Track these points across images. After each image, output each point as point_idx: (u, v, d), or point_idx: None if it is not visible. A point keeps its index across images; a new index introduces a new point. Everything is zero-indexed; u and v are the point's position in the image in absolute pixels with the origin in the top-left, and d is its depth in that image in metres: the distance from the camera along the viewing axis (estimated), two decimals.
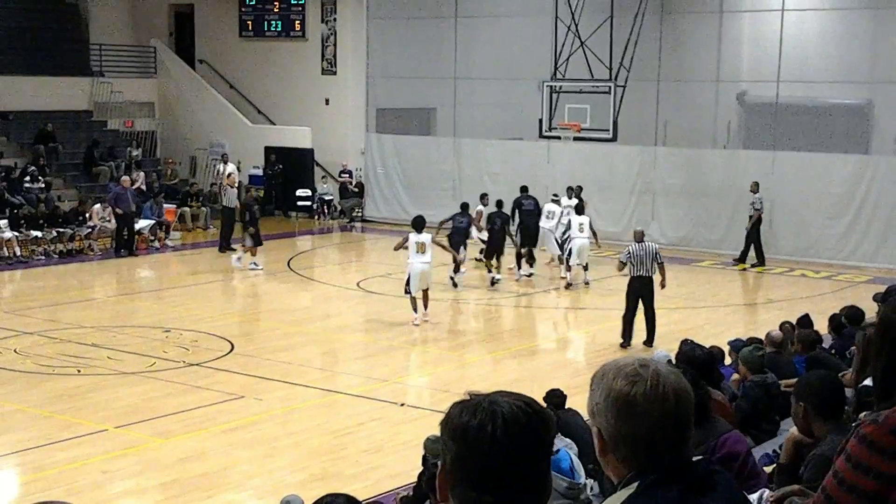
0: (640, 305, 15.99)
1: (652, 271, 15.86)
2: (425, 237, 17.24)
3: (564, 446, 7.40)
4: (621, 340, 16.04)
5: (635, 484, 2.37)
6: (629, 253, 15.85)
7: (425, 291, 17.40)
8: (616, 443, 2.40)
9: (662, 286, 16.04)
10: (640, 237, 16.29)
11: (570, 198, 22.94)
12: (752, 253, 23.34)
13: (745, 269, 23.28)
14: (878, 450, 2.88)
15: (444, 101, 28.85)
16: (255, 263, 22.33)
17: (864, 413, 3.31)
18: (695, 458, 2.46)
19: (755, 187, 23.14)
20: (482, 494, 2.21)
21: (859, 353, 7.44)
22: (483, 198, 22.85)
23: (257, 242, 22.47)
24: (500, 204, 21.54)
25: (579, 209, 21.17)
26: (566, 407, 9.24)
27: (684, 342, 10.25)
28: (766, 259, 23.36)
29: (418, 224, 17.44)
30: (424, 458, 8.42)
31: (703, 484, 2.39)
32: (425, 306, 17.50)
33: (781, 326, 12.11)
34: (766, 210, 23.87)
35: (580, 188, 23.76)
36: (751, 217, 23.21)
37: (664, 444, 2.38)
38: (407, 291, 17.32)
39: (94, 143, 28.70)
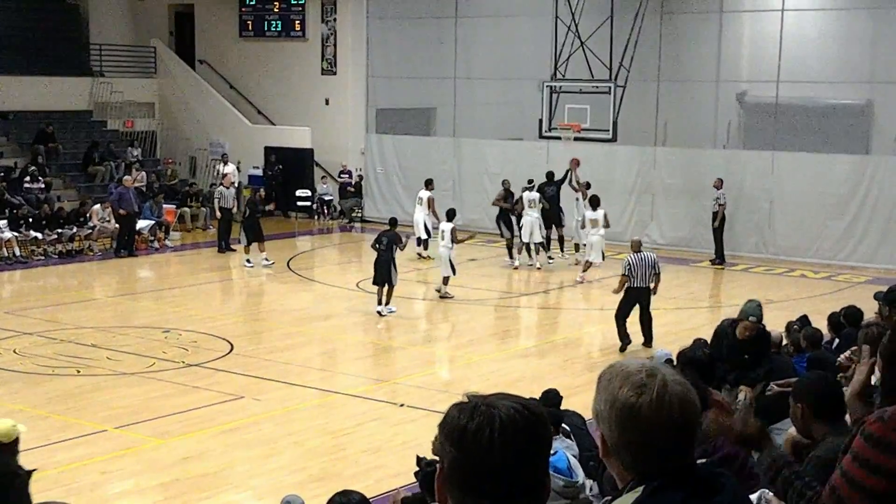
0: (636, 309, 15.90)
1: (649, 281, 15.71)
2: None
3: (565, 447, 7.38)
4: (620, 344, 15.94)
5: (640, 488, 2.37)
6: (628, 264, 15.66)
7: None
8: (618, 449, 2.41)
9: (653, 293, 15.92)
10: (637, 247, 16.05)
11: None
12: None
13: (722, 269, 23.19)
14: (885, 447, 2.87)
15: (444, 101, 28.82)
16: (249, 261, 22.68)
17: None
18: (698, 462, 2.46)
19: (719, 184, 23.15)
20: (479, 498, 2.20)
21: (859, 352, 7.44)
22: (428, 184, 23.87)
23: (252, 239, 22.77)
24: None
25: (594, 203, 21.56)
26: (562, 408, 9.22)
27: (695, 342, 10.22)
28: (767, 259, 23.30)
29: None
30: (432, 462, 8.36)
31: (707, 488, 2.39)
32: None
33: (788, 326, 12.11)
34: (766, 210, 23.85)
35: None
36: (715, 214, 23.19)
37: (666, 450, 2.37)
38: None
39: (93, 143, 28.70)
